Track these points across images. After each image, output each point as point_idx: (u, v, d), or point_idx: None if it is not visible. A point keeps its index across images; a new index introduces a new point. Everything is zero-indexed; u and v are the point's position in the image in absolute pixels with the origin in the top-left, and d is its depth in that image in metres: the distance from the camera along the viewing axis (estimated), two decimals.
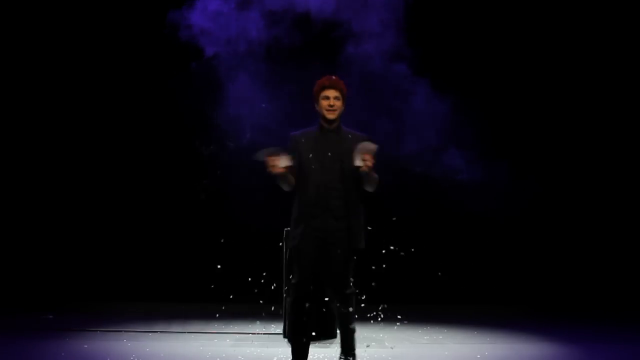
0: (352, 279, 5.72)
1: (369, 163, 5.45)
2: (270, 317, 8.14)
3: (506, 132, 9.51)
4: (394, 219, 8.72)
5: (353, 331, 5.74)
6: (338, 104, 5.67)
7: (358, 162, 5.46)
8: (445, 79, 7.99)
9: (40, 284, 9.43)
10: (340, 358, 5.78)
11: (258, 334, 7.59)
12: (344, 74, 6.16)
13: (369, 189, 5.70)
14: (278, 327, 7.62)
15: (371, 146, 5.51)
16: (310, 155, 5.65)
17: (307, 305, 5.63)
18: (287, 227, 7.46)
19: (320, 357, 6.50)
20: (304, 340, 5.69)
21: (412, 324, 8.10)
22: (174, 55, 8.63)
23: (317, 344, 6.99)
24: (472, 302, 9.27)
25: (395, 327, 7.90)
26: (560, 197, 9.43)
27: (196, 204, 9.62)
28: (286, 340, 6.19)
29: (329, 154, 5.66)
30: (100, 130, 9.64)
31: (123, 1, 9.46)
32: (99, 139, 9.63)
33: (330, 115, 5.66)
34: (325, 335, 7.21)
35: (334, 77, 5.74)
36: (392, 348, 6.95)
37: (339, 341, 5.83)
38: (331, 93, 5.67)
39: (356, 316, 5.75)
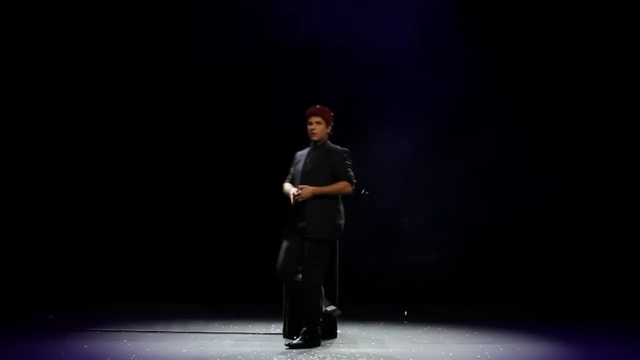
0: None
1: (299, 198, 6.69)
2: (270, 317, 8.14)
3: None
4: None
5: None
6: (319, 127, 6.78)
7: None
8: None
9: (40, 284, 9.42)
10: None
11: (258, 334, 7.58)
12: None
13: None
14: (278, 327, 7.62)
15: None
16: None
17: None
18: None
19: (320, 357, 6.50)
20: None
21: (412, 324, 8.09)
22: None
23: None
24: (472, 302, 9.27)
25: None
26: (558, 197, 9.42)
27: (195, 203, 9.62)
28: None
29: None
30: (99, 132, 9.64)
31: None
32: (97, 140, 9.63)
33: (314, 138, 6.81)
34: (326, 335, 7.21)
35: (317, 107, 6.80)
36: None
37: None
38: (313, 119, 6.79)
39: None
